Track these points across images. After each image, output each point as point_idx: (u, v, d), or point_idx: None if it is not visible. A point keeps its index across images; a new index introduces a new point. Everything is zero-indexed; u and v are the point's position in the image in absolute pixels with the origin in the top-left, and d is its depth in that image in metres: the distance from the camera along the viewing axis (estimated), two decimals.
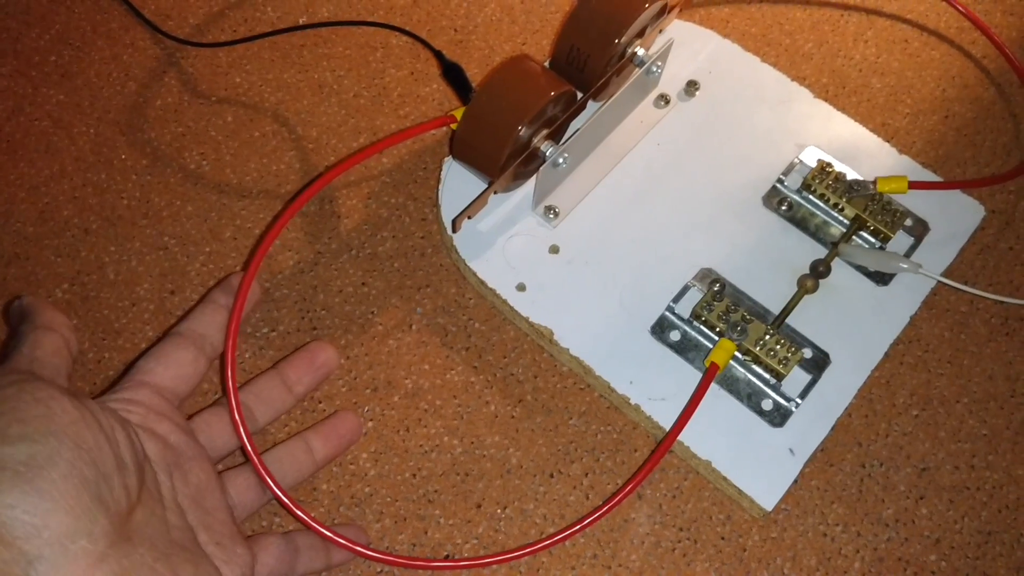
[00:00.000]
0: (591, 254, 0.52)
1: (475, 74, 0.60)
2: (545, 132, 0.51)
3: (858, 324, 0.51)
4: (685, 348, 0.50)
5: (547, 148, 0.51)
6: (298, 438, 0.46)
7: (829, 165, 0.53)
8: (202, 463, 0.41)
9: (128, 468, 0.35)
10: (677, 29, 0.60)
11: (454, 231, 0.50)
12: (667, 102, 0.57)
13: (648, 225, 0.53)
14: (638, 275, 0.52)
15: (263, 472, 0.42)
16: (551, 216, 0.53)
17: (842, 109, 0.59)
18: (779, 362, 0.48)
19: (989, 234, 0.56)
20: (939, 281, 0.51)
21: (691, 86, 0.57)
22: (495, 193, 0.51)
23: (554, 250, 0.52)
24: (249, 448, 0.42)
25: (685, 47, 0.59)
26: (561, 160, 0.51)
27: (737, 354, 0.49)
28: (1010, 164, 0.58)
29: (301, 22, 0.62)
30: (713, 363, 0.47)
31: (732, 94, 0.58)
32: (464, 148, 0.50)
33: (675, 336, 0.50)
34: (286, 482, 0.45)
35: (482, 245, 0.52)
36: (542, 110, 0.49)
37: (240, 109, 0.59)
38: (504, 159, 0.49)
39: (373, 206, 0.56)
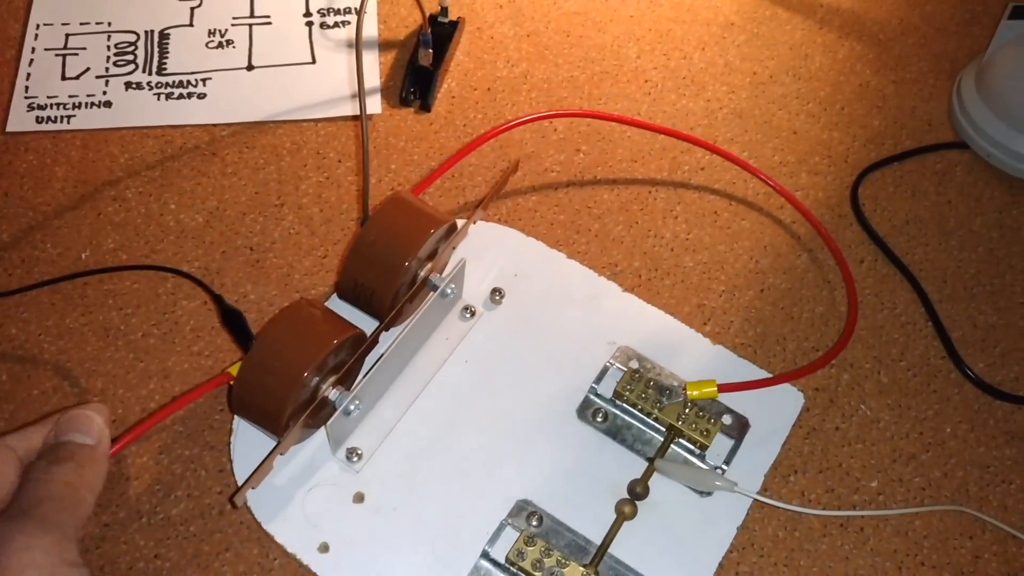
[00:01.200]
0: (399, 498, 0.49)
1: (274, 296, 0.57)
2: (333, 379, 0.47)
3: (684, 544, 0.48)
4: None
5: (336, 396, 0.47)
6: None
7: (638, 371, 0.51)
8: None
9: None
10: (479, 231, 0.58)
11: (234, 506, 0.46)
12: (472, 314, 0.54)
13: (459, 456, 0.50)
14: (451, 517, 0.48)
15: None
16: (354, 459, 0.49)
17: (656, 294, 0.58)
18: None
19: (815, 415, 0.54)
20: (755, 499, 0.49)
21: (495, 294, 0.55)
22: (282, 455, 0.47)
23: (359, 498, 0.49)
24: None
25: (488, 250, 0.57)
26: (353, 407, 0.48)
27: None
28: (828, 334, 0.57)
29: (84, 256, 0.58)
30: None
31: (539, 297, 0.56)
32: (243, 407, 0.47)
33: None
34: None
35: (279, 502, 0.48)
36: (325, 359, 0.46)
37: (16, 365, 0.54)
38: (287, 417, 0.46)
39: (165, 462, 0.52)
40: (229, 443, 0.50)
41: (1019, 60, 0.63)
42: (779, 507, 0.50)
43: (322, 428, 0.49)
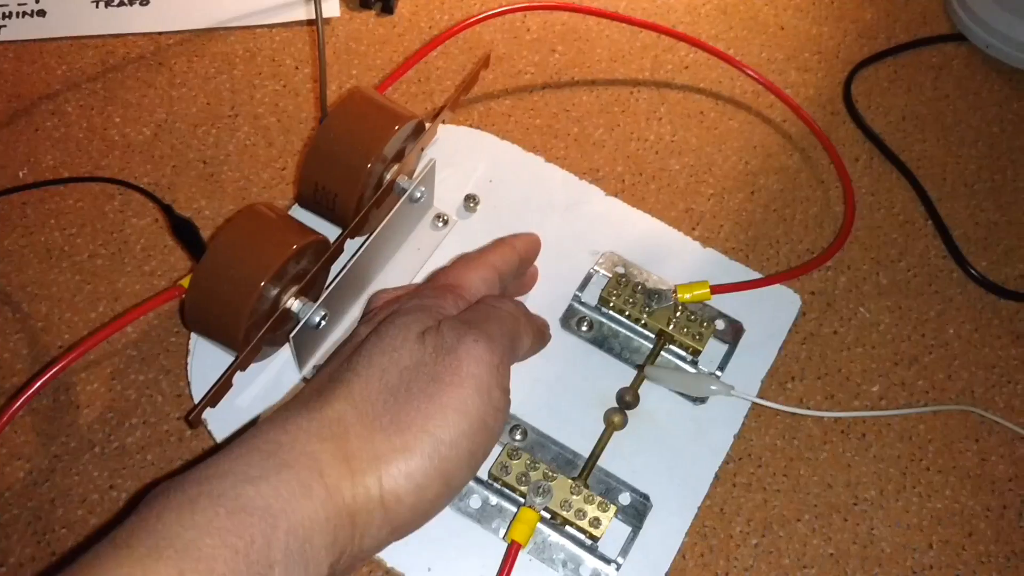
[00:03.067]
0: None
1: (230, 210, 0.53)
2: (295, 288, 0.44)
3: (678, 454, 0.45)
4: (488, 516, 0.43)
5: (300, 307, 0.44)
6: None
7: (624, 276, 0.48)
8: None
9: None
10: (449, 135, 0.54)
11: (192, 426, 0.42)
12: (445, 222, 0.51)
13: None
14: None
15: None
16: None
17: (641, 200, 0.54)
18: (590, 523, 0.41)
19: (811, 319, 0.51)
20: (752, 403, 0.46)
21: (470, 200, 0.51)
22: (242, 372, 0.43)
23: None
24: None
25: (460, 155, 0.53)
26: (319, 319, 0.44)
27: (547, 514, 0.43)
28: (823, 236, 0.54)
29: (22, 175, 0.54)
30: (514, 541, 0.41)
31: (516, 203, 0.52)
32: (197, 321, 0.43)
33: (475, 503, 0.44)
34: None
35: (243, 424, 0.45)
36: (283, 267, 0.42)
37: None
38: (245, 330, 0.42)
39: (118, 388, 0.48)
40: (186, 365, 0.47)
41: None
42: (778, 410, 0.47)
43: (287, 344, 0.46)
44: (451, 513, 0.43)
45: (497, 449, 0.44)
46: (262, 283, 0.41)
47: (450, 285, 0.40)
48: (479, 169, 0.53)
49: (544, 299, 0.49)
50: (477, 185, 0.52)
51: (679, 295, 0.47)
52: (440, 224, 0.51)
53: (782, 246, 0.54)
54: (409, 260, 0.50)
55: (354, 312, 0.48)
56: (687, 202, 0.55)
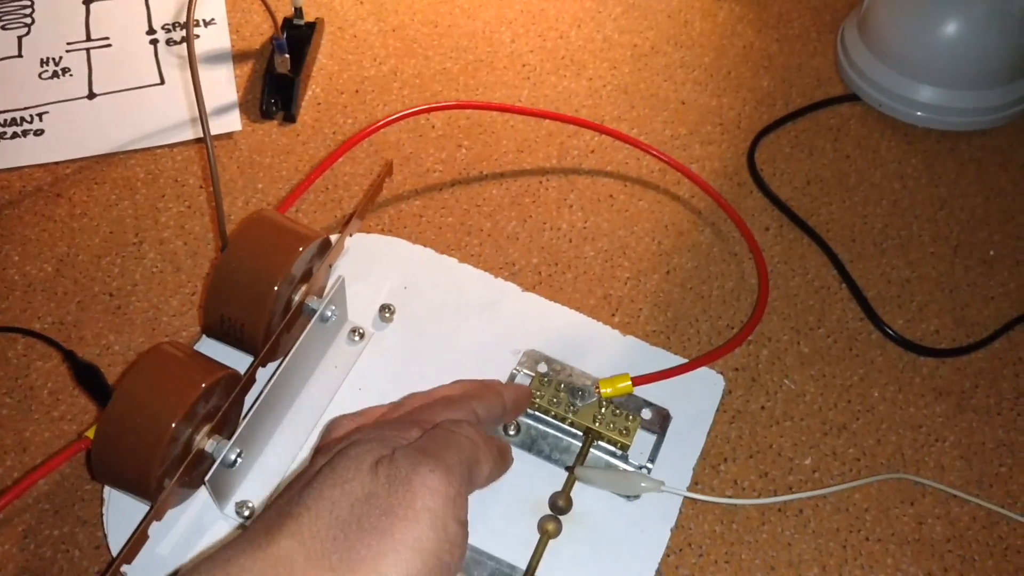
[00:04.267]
0: None
1: (140, 344, 0.51)
2: (207, 427, 0.42)
3: (617, 555, 0.44)
4: None
5: (213, 446, 0.42)
6: None
7: (546, 375, 0.47)
8: None
9: None
10: (359, 244, 0.53)
11: None
12: (362, 336, 0.50)
13: None
14: None
15: None
16: (245, 513, 0.44)
17: (559, 290, 0.54)
18: None
19: (737, 396, 0.51)
20: (684, 497, 0.46)
21: (385, 311, 0.50)
22: (159, 521, 0.42)
23: None
24: None
25: (372, 264, 0.52)
26: (235, 456, 0.42)
27: None
28: (741, 309, 0.54)
29: None
30: None
31: (433, 309, 0.51)
32: (107, 473, 0.41)
33: None
34: None
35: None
36: (193, 407, 0.41)
37: None
38: (157, 478, 0.40)
39: (32, 546, 0.46)
40: (102, 516, 0.45)
41: (898, 4, 0.61)
42: (710, 502, 0.47)
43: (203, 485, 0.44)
44: None
45: None
46: (171, 426, 0.40)
47: (420, 420, 0.39)
48: (392, 277, 0.52)
49: None
50: (391, 294, 0.51)
51: (601, 390, 0.47)
52: (356, 338, 0.50)
53: (701, 324, 0.54)
54: (327, 379, 0.48)
55: (273, 440, 0.46)
56: (604, 288, 0.55)
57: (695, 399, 0.49)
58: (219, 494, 0.43)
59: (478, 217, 0.57)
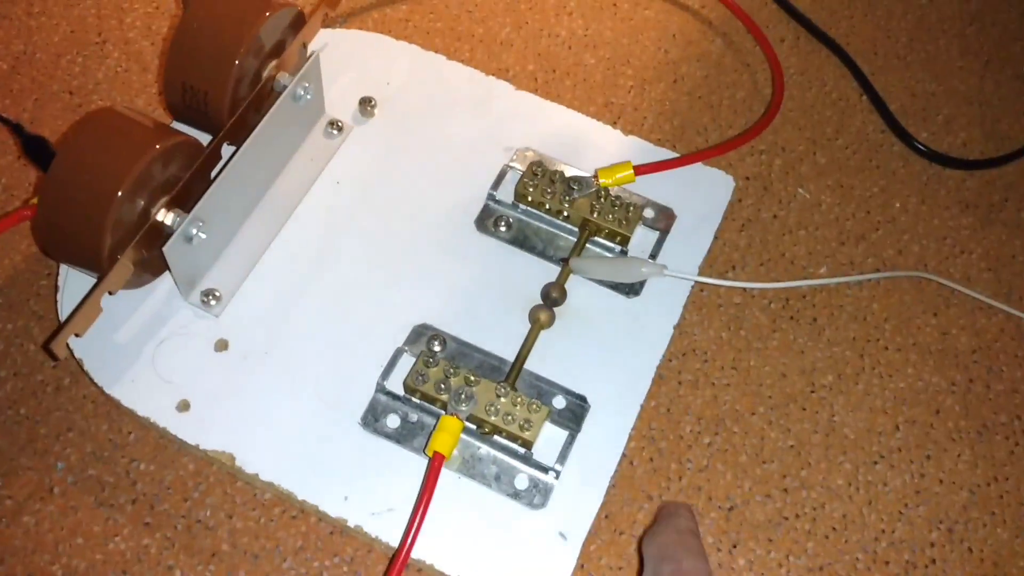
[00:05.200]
0: (271, 341, 0.40)
1: None
2: (166, 199, 0.38)
3: (614, 351, 0.41)
4: (408, 435, 0.39)
5: (172, 219, 0.38)
6: None
7: (539, 165, 0.43)
8: None
9: None
10: (340, 40, 0.49)
11: (55, 359, 0.37)
12: (340, 129, 0.46)
13: (338, 288, 0.42)
14: (335, 355, 0.40)
15: None
16: (211, 302, 0.41)
17: (557, 96, 0.50)
18: (520, 426, 0.37)
19: (748, 205, 0.47)
20: (694, 281, 0.42)
21: (366, 104, 0.46)
22: (111, 293, 0.38)
23: (222, 346, 0.40)
24: None
25: (353, 59, 0.48)
26: (195, 231, 0.39)
27: (472, 425, 0.38)
28: (753, 118, 0.50)
29: None
30: (436, 453, 0.36)
31: (418, 105, 0.47)
32: (51, 242, 0.37)
33: (393, 422, 0.39)
34: None
35: (124, 362, 0.39)
36: (146, 172, 0.37)
37: None
38: (109, 248, 0.37)
39: None
40: (56, 302, 0.41)
41: None
42: (718, 285, 0.43)
43: (168, 272, 0.40)
44: (366, 436, 0.38)
45: (411, 360, 0.39)
46: (121, 186, 0.36)
47: None
48: (374, 73, 0.48)
49: (456, 203, 0.44)
50: (374, 88, 0.47)
51: (601, 180, 0.43)
52: (334, 131, 0.46)
53: (711, 133, 0.50)
54: (302, 171, 0.45)
55: (243, 229, 0.43)
56: (606, 96, 0.51)
57: (702, 199, 0.45)
58: (181, 276, 0.39)
59: (469, 23, 0.53)
